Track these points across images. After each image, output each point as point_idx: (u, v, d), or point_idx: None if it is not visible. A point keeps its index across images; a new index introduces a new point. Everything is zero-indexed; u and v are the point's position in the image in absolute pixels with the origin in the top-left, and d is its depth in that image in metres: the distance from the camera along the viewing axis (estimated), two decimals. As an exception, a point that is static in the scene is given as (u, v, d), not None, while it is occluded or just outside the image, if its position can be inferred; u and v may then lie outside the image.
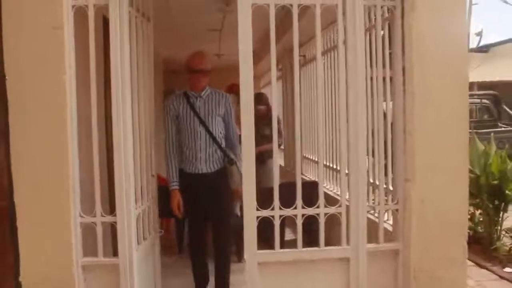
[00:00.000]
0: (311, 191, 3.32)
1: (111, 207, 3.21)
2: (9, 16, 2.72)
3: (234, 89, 5.81)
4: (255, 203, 2.99)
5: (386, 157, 3.32)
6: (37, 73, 2.73)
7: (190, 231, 4.06)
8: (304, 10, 3.09)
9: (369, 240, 3.12)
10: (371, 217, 3.33)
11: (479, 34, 26.45)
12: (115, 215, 2.99)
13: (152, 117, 3.58)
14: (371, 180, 3.52)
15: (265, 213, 3.01)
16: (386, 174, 3.37)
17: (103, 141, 3.41)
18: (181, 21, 5.79)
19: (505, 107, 10.77)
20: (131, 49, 3.11)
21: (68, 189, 2.85)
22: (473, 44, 22.52)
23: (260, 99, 5.52)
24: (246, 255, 3.01)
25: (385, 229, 3.23)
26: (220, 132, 3.82)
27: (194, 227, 3.97)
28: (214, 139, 3.76)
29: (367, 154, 3.28)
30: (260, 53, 6.30)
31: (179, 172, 3.82)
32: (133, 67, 3.15)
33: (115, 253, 3.12)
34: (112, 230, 3.16)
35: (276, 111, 3.70)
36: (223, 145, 3.84)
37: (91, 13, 2.92)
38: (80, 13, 2.92)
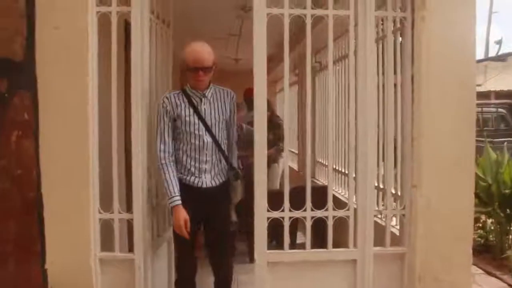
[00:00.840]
0: (322, 196, 3.42)
1: (128, 205, 3.35)
2: (40, 21, 2.86)
3: (250, 94, 5.94)
4: (266, 204, 3.10)
5: (395, 164, 3.41)
6: (63, 74, 2.87)
7: (179, 249, 3.31)
8: (320, 18, 3.20)
9: (376, 244, 3.21)
10: (379, 221, 3.43)
11: (499, 42, 26.25)
12: (131, 212, 3.13)
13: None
14: (380, 186, 3.61)
15: (275, 214, 3.12)
16: (395, 180, 3.45)
17: (122, 142, 3.54)
18: (200, 26, 5.95)
19: (521, 116, 10.73)
20: (151, 54, 3.25)
21: (88, 186, 2.99)
22: (492, 52, 22.34)
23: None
24: (256, 255, 3.12)
25: (392, 233, 3.32)
26: (224, 138, 3.25)
27: (185, 247, 3.20)
28: (219, 147, 3.17)
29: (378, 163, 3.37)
30: (277, 57, 6.42)
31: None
32: (152, 71, 3.29)
33: (130, 249, 3.27)
34: (128, 227, 3.31)
35: (281, 117, 3.76)
36: (226, 152, 3.27)
37: (114, 20, 3.07)
38: (103, 19, 3.07)
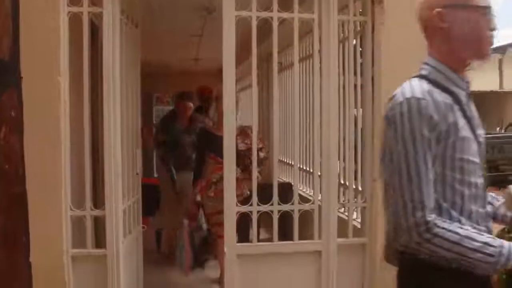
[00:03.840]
0: (285, 192, 3.57)
1: (94, 202, 3.38)
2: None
3: (205, 92, 6.02)
4: (235, 199, 3.23)
5: (356, 161, 3.60)
6: (36, 73, 2.90)
7: None
8: (282, 20, 3.35)
9: (339, 236, 3.39)
10: (342, 215, 3.61)
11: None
12: (103, 209, 3.19)
13: (138, 118, 3.79)
14: (342, 181, 3.80)
15: (243, 208, 3.25)
16: (355, 177, 3.64)
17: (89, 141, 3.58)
18: (163, 26, 5.98)
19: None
20: (122, 54, 3.32)
21: (60, 183, 3.02)
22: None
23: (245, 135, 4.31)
24: (226, 248, 3.24)
25: (354, 226, 3.50)
26: None
27: None
28: None
29: (338, 159, 3.55)
30: (237, 59, 6.53)
31: None
32: (122, 72, 3.35)
33: (97, 245, 3.32)
34: (95, 224, 3.35)
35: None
36: None
37: (85, 20, 3.12)
38: (73, 19, 3.11)
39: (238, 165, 3.38)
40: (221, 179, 3.52)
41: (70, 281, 3.09)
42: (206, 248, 4.99)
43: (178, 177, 5.74)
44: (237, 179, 3.32)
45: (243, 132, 4.01)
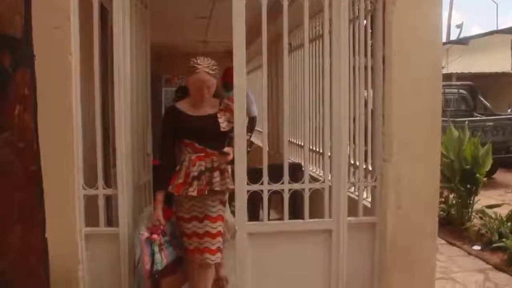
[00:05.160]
0: (295, 172, 3.59)
1: (105, 182, 3.42)
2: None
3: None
4: (246, 178, 3.24)
5: (366, 143, 3.59)
6: (47, 53, 2.91)
7: None
8: (292, 1, 3.33)
9: (350, 215, 3.40)
10: (352, 195, 3.62)
11: (460, 26, 26.97)
12: (115, 188, 3.23)
13: (148, 99, 3.80)
14: (352, 162, 3.80)
15: (255, 187, 3.27)
16: (365, 158, 3.64)
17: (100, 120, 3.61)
18: (172, 8, 5.97)
19: (481, 98, 11.15)
20: (131, 35, 3.32)
21: (72, 162, 3.07)
22: (453, 36, 22.97)
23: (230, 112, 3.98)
24: (236, 226, 3.27)
25: (364, 206, 3.52)
26: None
27: None
28: None
29: (349, 140, 3.55)
30: (246, 41, 6.51)
31: None
32: (132, 52, 3.36)
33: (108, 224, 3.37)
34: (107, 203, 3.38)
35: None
36: None
37: (95, 0, 3.13)
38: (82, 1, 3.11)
39: (216, 148, 3.18)
40: (207, 170, 3.15)
41: (83, 259, 3.15)
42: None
43: None
44: (223, 169, 3.19)
45: (227, 108, 3.29)
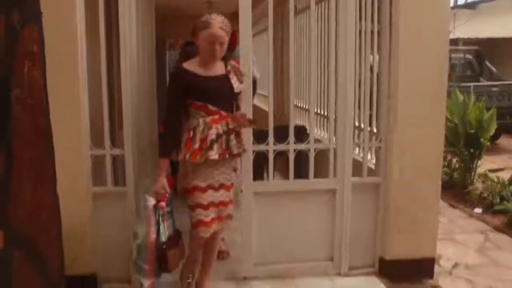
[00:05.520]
0: (300, 134, 3.61)
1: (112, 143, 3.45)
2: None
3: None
4: (252, 139, 3.29)
5: (371, 107, 3.60)
6: (53, 14, 2.90)
7: None
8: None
9: (354, 176, 3.45)
10: (357, 157, 3.65)
11: (468, -10, 26.43)
12: (123, 148, 3.26)
13: (153, 59, 3.80)
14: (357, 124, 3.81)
15: (261, 147, 3.31)
16: (370, 122, 3.64)
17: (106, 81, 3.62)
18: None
19: (487, 63, 11.05)
20: (137, 11, 3.30)
21: (79, 123, 3.11)
22: (461, 0, 22.57)
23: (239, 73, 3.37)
24: (242, 186, 3.32)
25: (369, 168, 3.55)
26: None
27: None
28: None
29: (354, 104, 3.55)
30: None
31: None
32: (138, 12, 3.34)
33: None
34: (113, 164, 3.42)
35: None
36: None
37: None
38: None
39: (228, 110, 2.99)
40: (224, 133, 2.93)
41: (91, 217, 3.21)
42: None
43: None
44: (238, 132, 3.01)
45: (234, 69, 3.08)
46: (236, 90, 3.03)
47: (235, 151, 2.98)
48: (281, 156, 3.46)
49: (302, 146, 3.36)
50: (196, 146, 2.89)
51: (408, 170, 3.38)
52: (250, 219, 3.36)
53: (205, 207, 2.96)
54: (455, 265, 3.90)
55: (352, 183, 3.40)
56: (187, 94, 2.92)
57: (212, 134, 2.89)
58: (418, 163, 3.39)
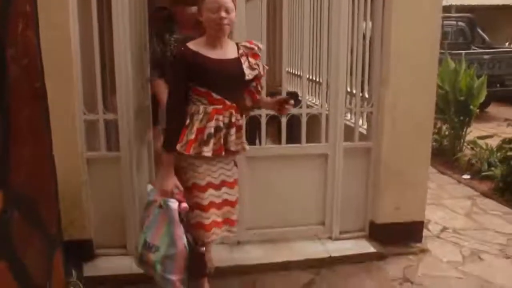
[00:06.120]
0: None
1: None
2: None
3: None
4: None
5: (363, 73, 3.61)
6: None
7: None
8: None
9: (346, 141, 3.49)
10: (348, 123, 3.68)
11: (461, -43, 26.14)
12: (116, 113, 3.26)
13: (146, 24, 3.75)
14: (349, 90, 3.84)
15: (254, 112, 3.32)
16: (362, 87, 3.66)
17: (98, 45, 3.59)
18: None
19: (479, 30, 11.02)
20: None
21: (72, 88, 3.09)
22: (454, -33, 22.34)
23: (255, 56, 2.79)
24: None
25: (360, 133, 3.59)
26: None
27: None
28: None
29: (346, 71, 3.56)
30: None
31: None
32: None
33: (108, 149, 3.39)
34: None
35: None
36: None
37: None
38: None
39: (234, 100, 2.62)
40: (224, 126, 2.59)
41: (86, 182, 3.24)
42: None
43: None
44: (240, 126, 2.67)
45: (251, 52, 2.67)
46: (247, 76, 2.62)
47: (233, 147, 2.63)
48: (273, 121, 3.47)
49: (294, 111, 3.37)
50: (192, 136, 2.54)
51: (398, 135, 3.42)
52: (243, 184, 3.39)
53: (205, 208, 2.62)
54: (443, 229, 3.99)
55: (344, 148, 3.44)
56: (190, 78, 2.56)
57: (211, 127, 2.54)
58: (409, 129, 3.43)
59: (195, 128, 2.54)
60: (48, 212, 1.81)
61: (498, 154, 5.38)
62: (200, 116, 2.55)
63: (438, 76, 5.62)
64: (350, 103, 3.67)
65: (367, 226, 3.62)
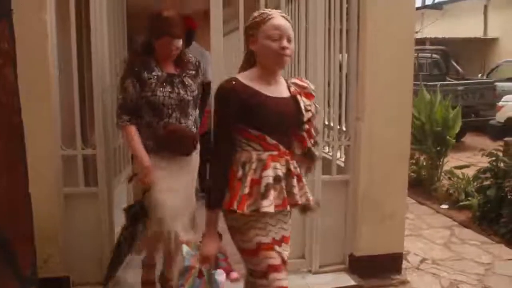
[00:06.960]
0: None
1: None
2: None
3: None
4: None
5: (340, 106, 3.67)
6: (23, 10, 2.87)
7: None
8: None
9: (324, 174, 3.52)
10: (326, 156, 3.73)
11: (435, -9, 27.02)
12: (94, 149, 3.25)
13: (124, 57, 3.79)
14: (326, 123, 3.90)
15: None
16: (339, 120, 3.72)
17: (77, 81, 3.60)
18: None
19: (453, 62, 11.33)
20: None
21: (49, 122, 3.07)
22: (429, 1, 23.02)
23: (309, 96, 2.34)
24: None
25: (338, 166, 3.63)
26: None
27: None
28: None
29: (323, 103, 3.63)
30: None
31: None
32: (109, 10, 3.33)
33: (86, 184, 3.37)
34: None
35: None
36: None
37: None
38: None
39: (287, 145, 2.17)
40: (285, 177, 2.12)
41: (63, 218, 3.19)
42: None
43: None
44: (299, 175, 2.19)
45: (302, 91, 2.25)
46: (305, 118, 2.21)
47: (300, 200, 2.16)
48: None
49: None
50: (246, 190, 2.05)
51: (376, 167, 3.46)
52: (221, 219, 3.37)
53: (280, 269, 2.12)
54: (422, 260, 4.01)
55: (322, 180, 3.46)
56: (241, 119, 2.08)
57: (269, 177, 2.06)
58: (386, 161, 3.48)
59: (248, 180, 2.06)
60: (22, 252, 1.79)
61: (475, 183, 5.46)
62: (254, 165, 2.08)
63: (414, 107, 5.75)
64: (328, 136, 3.72)
65: (346, 259, 3.62)
